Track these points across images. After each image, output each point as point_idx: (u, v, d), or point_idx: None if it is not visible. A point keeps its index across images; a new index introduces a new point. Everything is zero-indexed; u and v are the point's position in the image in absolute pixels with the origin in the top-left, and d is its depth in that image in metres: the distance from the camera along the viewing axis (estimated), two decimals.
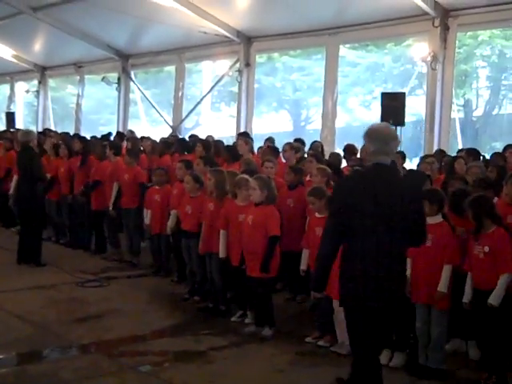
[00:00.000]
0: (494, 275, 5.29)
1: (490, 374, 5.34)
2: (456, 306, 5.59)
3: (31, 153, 9.75)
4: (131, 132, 14.62)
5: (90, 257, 10.36)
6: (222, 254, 7.11)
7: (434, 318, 5.60)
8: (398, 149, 10.58)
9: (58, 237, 11.27)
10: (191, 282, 7.99)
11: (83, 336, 6.49)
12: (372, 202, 4.19)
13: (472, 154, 8.85)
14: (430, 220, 5.52)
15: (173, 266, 9.06)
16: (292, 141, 10.34)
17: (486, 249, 5.33)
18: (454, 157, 9.00)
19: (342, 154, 10.19)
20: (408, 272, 5.58)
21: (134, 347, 6.26)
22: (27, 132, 10.40)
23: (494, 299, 5.23)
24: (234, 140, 13.21)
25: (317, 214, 6.56)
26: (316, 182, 7.20)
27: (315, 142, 11.15)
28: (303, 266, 6.70)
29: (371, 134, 4.35)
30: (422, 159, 9.01)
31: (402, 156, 9.37)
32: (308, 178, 8.03)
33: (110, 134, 14.25)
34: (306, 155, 9.69)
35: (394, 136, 4.45)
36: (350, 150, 10.10)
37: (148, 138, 12.52)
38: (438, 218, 5.64)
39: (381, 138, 4.30)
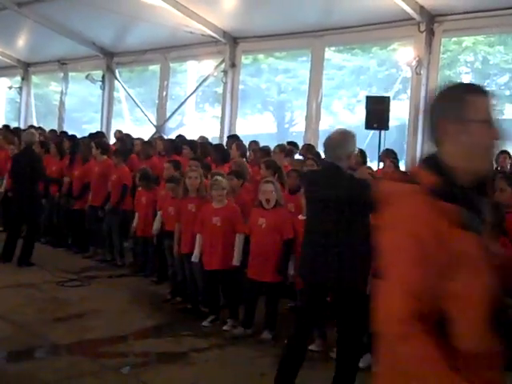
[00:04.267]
0: None
1: None
2: None
3: (34, 153, 9.86)
4: (119, 132, 14.50)
5: (71, 256, 10.30)
6: (195, 258, 7.15)
7: None
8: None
9: (38, 235, 11.15)
10: (173, 283, 7.97)
11: (63, 336, 6.44)
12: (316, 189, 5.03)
13: None
14: None
15: (154, 267, 9.02)
16: (276, 143, 10.30)
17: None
18: None
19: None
20: None
21: (114, 348, 6.22)
22: (31, 133, 10.36)
23: None
24: (218, 141, 13.17)
25: None
26: None
27: (307, 144, 10.95)
28: None
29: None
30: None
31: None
32: None
33: (98, 132, 14.11)
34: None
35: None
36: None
37: (138, 139, 12.41)
38: None
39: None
